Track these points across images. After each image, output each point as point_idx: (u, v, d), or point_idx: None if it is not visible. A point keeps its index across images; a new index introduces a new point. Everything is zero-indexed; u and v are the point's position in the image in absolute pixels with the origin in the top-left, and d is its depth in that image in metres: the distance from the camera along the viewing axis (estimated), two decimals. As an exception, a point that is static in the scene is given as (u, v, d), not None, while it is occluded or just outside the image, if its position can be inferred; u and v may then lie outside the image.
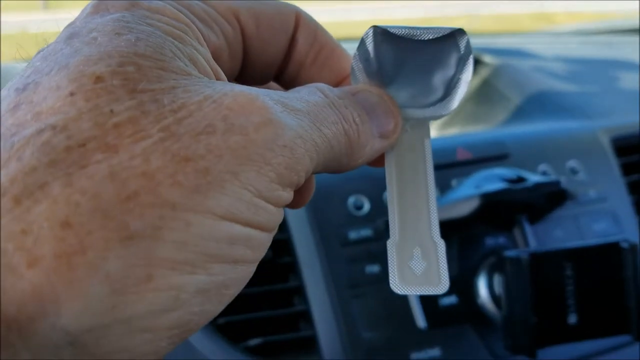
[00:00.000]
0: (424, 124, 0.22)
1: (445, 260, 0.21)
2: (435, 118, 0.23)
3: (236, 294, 0.17)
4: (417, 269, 0.20)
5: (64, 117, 0.14)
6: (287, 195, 0.17)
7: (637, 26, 0.94)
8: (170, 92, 0.15)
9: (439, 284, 0.20)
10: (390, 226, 0.21)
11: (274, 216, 0.17)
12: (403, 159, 0.22)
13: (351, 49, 0.23)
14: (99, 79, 0.15)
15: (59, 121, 0.14)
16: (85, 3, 0.18)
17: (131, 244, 0.13)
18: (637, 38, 0.85)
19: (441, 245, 0.21)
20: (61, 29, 0.17)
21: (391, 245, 0.21)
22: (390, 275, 0.20)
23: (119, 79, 0.15)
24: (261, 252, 0.17)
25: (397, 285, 0.20)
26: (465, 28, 0.21)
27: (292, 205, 0.18)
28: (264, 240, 0.17)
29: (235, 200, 0.15)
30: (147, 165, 0.14)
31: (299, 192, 0.18)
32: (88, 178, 0.13)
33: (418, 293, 0.20)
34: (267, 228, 0.17)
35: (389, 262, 0.20)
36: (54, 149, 0.14)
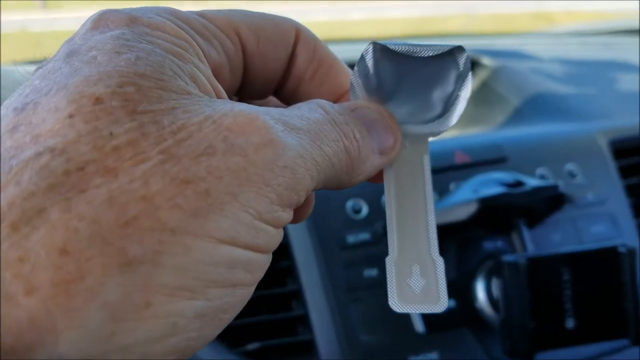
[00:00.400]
0: (422, 140, 0.22)
1: (444, 278, 0.20)
2: (434, 134, 0.23)
3: (233, 317, 0.16)
4: (416, 286, 0.20)
5: (62, 140, 0.14)
6: (287, 215, 0.17)
7: (637, 27, 0.94)
8: (170, 113, 0.15)
9: (438, 302, 0.20)
10: (389, 243, 0.21)
11: (274, 238, 0.16)
12: (402, 175, 0.22)
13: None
14: (98, 100, 0.14)
15: (58, 144, 0.14)
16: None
17: (130, 271, 0.13)
18: (637, 39, 0.85)
19: (440, 262, 0.21)
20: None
21: (390, 262, 0.21)
22: (389, 293, 0.20)
23: (118, 100, 0.15)
24: (260, 275, 0.17)
25: (396, 303, 0.20)
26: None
27: (291, 221, 0.18)
28: (263, 262, 0.17)
29: (234, 222, 0.15)
30: (147, 189, 0.14)
31: (298, 209, 0.18)
32: (87, 203, 0.13)
33: (417, 311, 0.20)
34: (267, 250, 0.16)
35: (388, 279, 0.20)
36: (53, 172, 0.13)
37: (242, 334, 0.40)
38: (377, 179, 0.22)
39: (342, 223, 0.44)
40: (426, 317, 0.42)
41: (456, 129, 0.67)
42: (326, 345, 0.41)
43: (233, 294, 0.16)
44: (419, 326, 0.42)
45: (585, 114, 0.59)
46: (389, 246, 0.21)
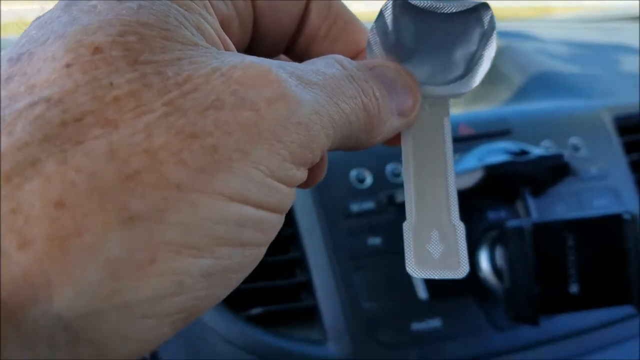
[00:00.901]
0: (443, 102, 0.21)
1: (465, 243, 0.20)
2: (456, 96, 0.22)
3: (244, 278, 0.16)
4: (435, 252, 0.19)
5: (59, 90, 0.13)
6: (301, 174, 0.16)
7: (637, 14, 0.94)
8: (175, 64, 0.14)
9: (459, 267, 0.19)
10: (406, 207, 0.20)
11: (287, 197, 0.16)
12: (421, 138, 0.21)
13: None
14: (97, 49, 0.14)
15: (54, 94, 0.13)
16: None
17: (132, 227, 0.13)
18: (637, 25, 0.85)
19: (460, 228, 0.20)
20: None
21: (407, 227, 0.20)
22: (406, 258, 0.19)
23: (119, 50, 0.14)
24: (272, 235, 0.16)
25: (413, 268, 0.19)
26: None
27: (303, 185, 0.17)
28: (276, 222, 0.16)
29: (245, 180, 0.14)
30: (150, 143, 0.13)
31: (311, 171, 0.17)
32: (85, 155, 0.13)
33: (436, 277, 0.19)
34: (279, 209, 0.16)
35: (405, 244, 0.20)
36: (48, 123, 0.13)
37: (246, 298, 0.40)
38: (395, 141, 0.21)
39: (346, 192, 0.44)
40: (429, 284, 0.42)
41: (460, 106, 0.67)
42: (329, 311, 0.41)
43: (243, 254, 0.15)
44: (422, 293, 0.42)
45: (589, 92, 0.59)
46: (406, 211, 0.20)
